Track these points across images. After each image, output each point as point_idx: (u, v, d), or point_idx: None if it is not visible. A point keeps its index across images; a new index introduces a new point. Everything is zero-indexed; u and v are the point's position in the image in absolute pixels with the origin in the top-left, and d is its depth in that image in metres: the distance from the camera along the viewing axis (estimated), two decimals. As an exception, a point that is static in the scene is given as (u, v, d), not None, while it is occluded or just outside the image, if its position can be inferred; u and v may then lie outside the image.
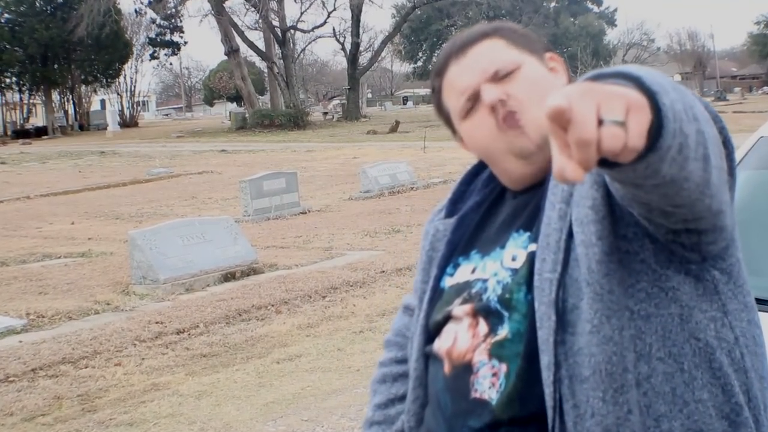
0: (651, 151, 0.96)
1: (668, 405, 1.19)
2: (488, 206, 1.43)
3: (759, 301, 2.42)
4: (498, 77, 1.32)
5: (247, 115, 44.08)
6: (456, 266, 1.40)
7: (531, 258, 1.28)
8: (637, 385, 1.18)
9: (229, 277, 8.35)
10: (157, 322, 6.88)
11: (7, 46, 49.67)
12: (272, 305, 7.32)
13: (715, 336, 1.23)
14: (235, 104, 64.94)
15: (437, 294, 1.41)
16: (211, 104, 79.12)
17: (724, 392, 1.22)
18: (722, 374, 1.22)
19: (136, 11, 54.41)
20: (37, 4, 50.84)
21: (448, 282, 1.40)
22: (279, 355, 6.00)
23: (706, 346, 1.22)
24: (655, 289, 1.21)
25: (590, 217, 1.20)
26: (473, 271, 1.36)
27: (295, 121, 41.20)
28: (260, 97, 52.37)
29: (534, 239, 1.29)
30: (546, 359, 1.20)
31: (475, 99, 1.34)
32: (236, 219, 12.08)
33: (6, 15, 50.81)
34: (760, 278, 2.46)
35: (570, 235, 1.22)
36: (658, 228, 1.18)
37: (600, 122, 0.89)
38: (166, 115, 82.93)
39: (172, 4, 49.50)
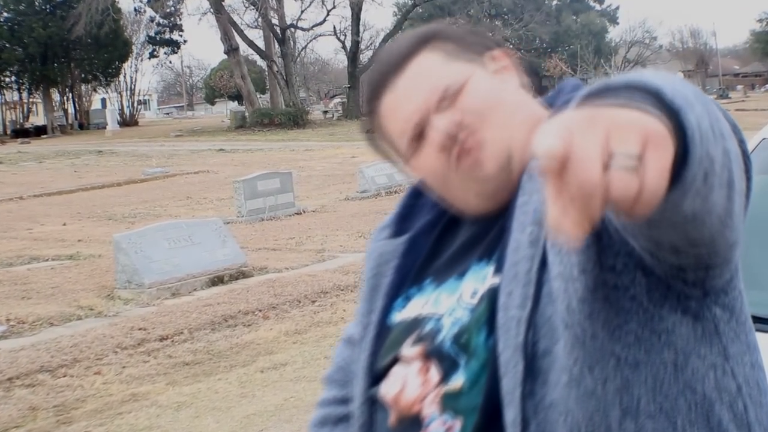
0: (673, 186, 0.75)
1: None
2: (443, 227, 1.21)
3: (760, 319, 2.21)
4: (443, 105, 1.10)
5: (246, 114, 43.90)
6: (407, 298, 1.17)
7: (492, 294, 1.05)
8: None
9: (216, 281, 8.15)
10: (140, 329, 6.69)
11: (7, 45, 49.55)
12: (260, 310, 7.13)
13: (715, 387, 1.02)
14: (236, 103, 64.80)
15: (383, 330, 1.18)
16: (213, 103, 79.02)
17: None
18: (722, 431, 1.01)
19: (135, 9, 54.31)
20: (36, 3, 50.68)
21: (396, 317, 1.17)
22: (264, 363, 5.80)
23: (703, 400, 1.01)
24: (646, 331, 0.99)
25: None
26: (425, 304, 1.14)
27: (295, 120, 41.01)
28: (261, 95, 52.20)
29: (498, 270, 1.07)
30: (511, 414, 0.99)
31: (420, 133, 1.12)
32: (230, 220, 11.96)
33: (5, 14, 50.67)
34: (761, 292, 2.27)
35: (543, 264, 1.01)
36: (660, 263, 0.96)
37: (608, 162, 0.68)
38: (167, 113, 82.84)
39: (171, 2, 49.38)
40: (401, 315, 1.17)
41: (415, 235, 1.22)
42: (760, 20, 70.15)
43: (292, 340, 6.33)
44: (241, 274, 8.38)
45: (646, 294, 0.99)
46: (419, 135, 1.12)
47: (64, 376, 5.71)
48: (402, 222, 1.26)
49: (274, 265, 9.03)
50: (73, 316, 7.25)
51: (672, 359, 1.00)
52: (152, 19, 55.47)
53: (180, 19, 56.74)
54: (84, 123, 54.47)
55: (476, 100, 1.10)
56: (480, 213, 1.14)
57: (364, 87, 1.20)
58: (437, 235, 1.21)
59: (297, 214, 13.33)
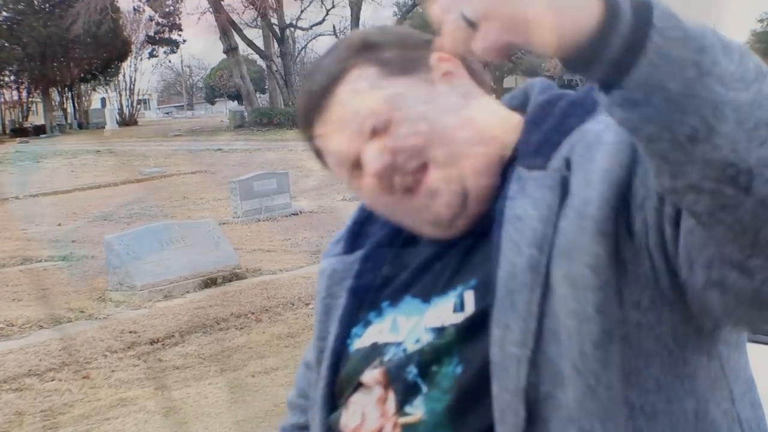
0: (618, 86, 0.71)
1: None
2: (402, 243, 1.10)
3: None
4: (378, 132, 0.99)
5: (245, 114, 43.81)
6: (367, 324, 1.07)
7: (469, 322, 0.95)
8: None
9: (209, 283, 8.05)
10: (130, 332, 6.62)
11: (6, 44, 49.43)
12: (252, 313, 7.04)
13: None
14: (236, 102, 64.71)
15: (341, 357, 1.09)
16: (213, 102, 78.89)
17: None
18: None
19: (134, 8, 54.16)
20: (36, 2, 50.57)
21: (354, 343, 1.07)
22: (255, 367, 5.72)
23: None
24: (669, 377, 0.89)
25: (589, 281, 0.86)
26: (383, 330, 1.04)
27: (294, 119, 40.85)
28: (261, 95, 52.10)
29: (473, 288, 0.97)
30: None
31: (358, 164, 1.02)
32: (226, 221, 11.87)
33: (4, 13, 50.56)
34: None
35: (544, 294, 0.89)
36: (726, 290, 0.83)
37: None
38: (167, 113, 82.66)
39: (170, 2, 49.27)
40: (359, 342, 1.07)
41: (369, 253, 1.12)
42: (761, 20, 70.15)
43: (284, 343, 6.25)
44: (234, 276, 8.28)
45: (671, 333, 0.89)
46: (356, 164, 1.02)
47: (52, 380, 5.64)
48: (355, 236, 1.15)
49: (269, 266, 8.94)
50: (63, 318, 7.17)
51: (693, 408, 0.90)
52: (151, 18, 55.31)
53: (179, 19, 56.60)
54: (83, 122, 54.32)
55: (413, 120, 0.99)
56: (437, 238, 1.05)
57: (298, 105, 1.08)
58: (395, 253, 1.10)
59: (293, 214, 13.23)
